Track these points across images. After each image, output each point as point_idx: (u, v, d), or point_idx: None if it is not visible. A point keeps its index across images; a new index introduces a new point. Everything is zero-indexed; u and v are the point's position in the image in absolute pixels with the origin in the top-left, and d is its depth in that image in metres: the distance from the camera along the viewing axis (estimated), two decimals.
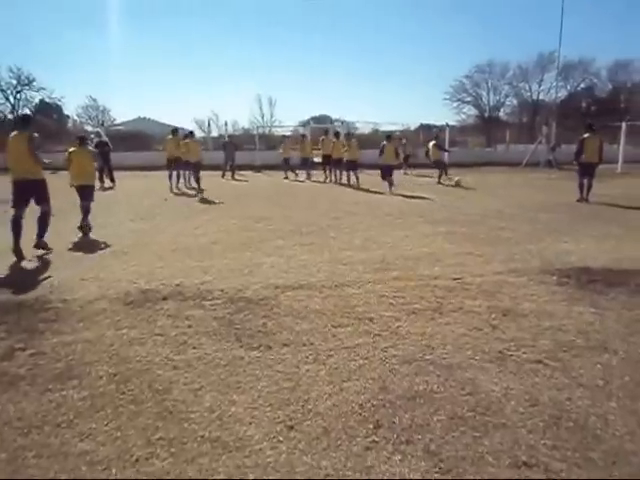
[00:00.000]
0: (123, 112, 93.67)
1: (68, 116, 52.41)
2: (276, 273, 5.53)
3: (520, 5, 70.22)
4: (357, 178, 16.44)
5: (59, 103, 48.11)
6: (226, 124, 30.29)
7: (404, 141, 23.07)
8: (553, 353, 3.42)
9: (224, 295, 4.75)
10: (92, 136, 18.85)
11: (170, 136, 16.57)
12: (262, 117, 52.87)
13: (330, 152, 17.62)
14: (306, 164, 19.64)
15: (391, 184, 14.28)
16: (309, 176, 19.30)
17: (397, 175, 18.89)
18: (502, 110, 58.43)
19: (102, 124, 39.63)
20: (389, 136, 16.32)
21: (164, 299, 4.66)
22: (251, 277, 5.38)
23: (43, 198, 7.51)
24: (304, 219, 9.26)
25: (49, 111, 48.58)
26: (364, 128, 39.58)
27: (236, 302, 4.54)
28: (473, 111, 57.98)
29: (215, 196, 13.48)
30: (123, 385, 3.05)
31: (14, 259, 6.32)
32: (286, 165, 19.74)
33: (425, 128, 30.95)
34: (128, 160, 26.05)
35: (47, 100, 47.03)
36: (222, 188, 15.83)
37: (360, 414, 2.73)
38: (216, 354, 3.47)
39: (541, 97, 55.50)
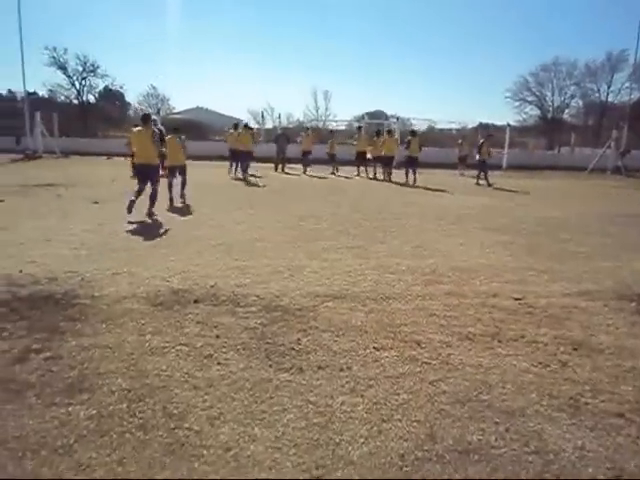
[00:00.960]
0: (182, 101, 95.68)
1: (130, 103, 53.91)
2: (318, 279, 5.12)
3: (590, 0, 66.56)
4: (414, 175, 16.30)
5: (121, 90, 49.50)
6: (279, 116, 30.13)
7: (460, 141, 22.15)
8: (639, 405, 2.84)
9: (259, 302, 4.39)
10: (152, 122, 19.05)
11: (232, 130, 17.15)
12: (317, 110, 52.54)
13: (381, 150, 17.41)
14: (332, 159, 19.63)
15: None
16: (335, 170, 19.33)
17: (451, 177, 18.15)
18: (566, 111, 55.69)
19: (158, 112, 40.27)
20: (414, 131, 17.43)
21: (195, 302, 4.35)
22: (291, 282, 5.00)
23: (155, 179, 9.10)
24: (353, 219, 8.81)
25: (112, 98, 50.10)
26: (420, 125, 38.59)
27: (271, 311, 4.17)
28: (535, 111, 55.53)
29: (264, 189, 13.27)
30: (135, 405, 2.73)
31: (52, 248, 6.20)
32: (332, 161, 19.42)
33: (484, 127, 29.71)
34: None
35: (110, 87, 48.47)
36: (272, 181, 15.60)
37: (401, 468, 2.28)
38: (242, 373, 3.10)
39: (610, 99, 52.51)
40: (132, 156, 10.45)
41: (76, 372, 3.07)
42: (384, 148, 17.11)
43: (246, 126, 18.43)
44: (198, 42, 77.45)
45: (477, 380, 3.08)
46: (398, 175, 16.98)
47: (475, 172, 16.77)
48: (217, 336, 3.64)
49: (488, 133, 18.30)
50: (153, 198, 8.93)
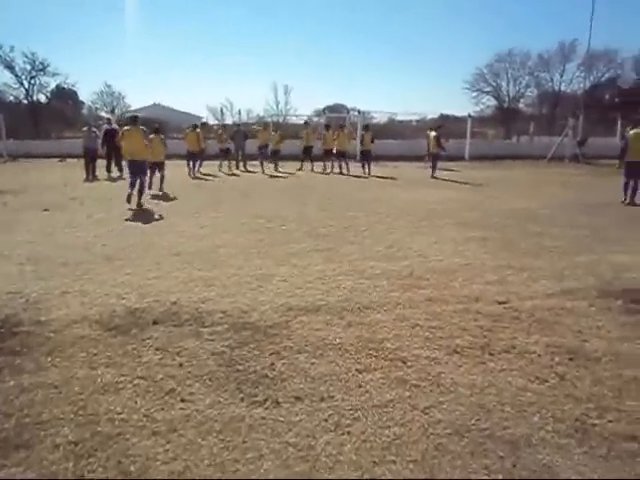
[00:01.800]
0: (139, 99, 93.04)
1: (83, 102, 51.99)
2: (288, 289, 4.76)
3: None
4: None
5: (74, 89, 47.62)
6: (239, 112, 29.52)
7: (429, 132, 21.95)
8: None
9: (226, 319, 3.99)
10: (100, 122, 18.12)
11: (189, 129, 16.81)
12: (277, 105, 51.86)
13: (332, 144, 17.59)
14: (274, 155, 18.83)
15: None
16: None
17: (416, 170, 18.04)
18: (522, 101, 56.80)
19: (113, 110, 38.90)
20: (366, 126, 18.11)
21: (155, 323, 3.91)
22: (259, 294, 4.61)
23: (143, 172, 10.25)
24: (320, 218, 8.47)
25: (65, 97, 48.18)
26: (380, 117, 38.48)
27: (240, 330, 3.78)
28: (492, 102, 56.42)
29: (225, 189, 12.77)
30: (84, 462, 2.31)
31: None
32: (303, 155, 18.92)
33: (445, 118, 29.82)
34: None
35: (63, 86, 46.57)
36: (232, 181, 15.08)
37: None
38: (210, 412, 2.71)
39: (563, 88, 53.83)
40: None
41: (13, 422, 2.62)
42: (337, 142, 17.08)
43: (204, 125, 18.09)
44: (154, 38, 75.42)
45: (473, 404, 2.78)
46: (357, 169, 16.83)
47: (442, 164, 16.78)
48: (180, 365, 3.23)
49: (437, 124, 18.14)
50: (141, 190, 10.02)
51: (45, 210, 9.41)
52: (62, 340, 3.61)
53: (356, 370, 3.15)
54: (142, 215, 8.87)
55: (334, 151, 17.39)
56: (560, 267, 5.51)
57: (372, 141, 17.41)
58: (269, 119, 33.90)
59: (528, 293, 4.61)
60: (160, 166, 12.25)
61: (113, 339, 3.63)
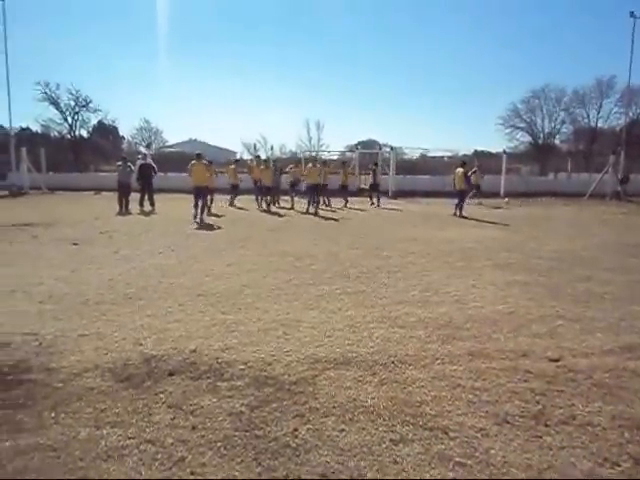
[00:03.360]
0: (176, 134, 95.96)
1: (123, 137, 53.82)
2: (316, 337, 4.40)
3: (577, 28, 67.76)
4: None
5: (114, 125, 49.37)
6: (272, 148, 29.82)
7: (475, 168, 21.38)
8: None
9: (247, 372, 3.65)
10: (139, 157, 18.40)
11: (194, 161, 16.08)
12: (309, 141, 52.45)
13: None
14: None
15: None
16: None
17: (450, 207, 17.61)
18: (557, 137, 56.03)
19: (148, 146, 39.95)
20: (464, 162, 16.36)
21: (170, 374, 3.60)
22: (285, 342, 4.27)
23: (205, 195, 13.99)
24: (351, 258, 8.13)
25: (105, 132, 50.01)
26: (413, 153, 38.38)
27: (261, 386, 3.43)
28: (526, 137, 55.84)
29: (255, 226, 12.61)
30: None
31: (13, 302, 5.46)
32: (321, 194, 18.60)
33: (479, 154, 29.41)
34: (172, 182, 25.79)
35: (104, 122, 48.34)
36: (264, 217, 14.94)
37: None
38: None
39: (599, 124, 52.93)
40: None
41: None
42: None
43: (258, 157, 19.09)
44: (190, 75, 78.29)
45: None
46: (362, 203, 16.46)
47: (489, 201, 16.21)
48: (193, 427, 2.89)
49: (462, 161, 17.62)
50: (203, 208, 13.65)
51: (74, 244, 9.38)
52: (69, 392, 3.33)
53: (390, 441, 2.75)
54: (168, 251, 8.70)
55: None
56: (615, 318, 5.00)
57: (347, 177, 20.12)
58: (301, 155, 34.14)
59: (583, 349, 4.13)
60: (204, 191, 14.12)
61: (124, 392, 3.33)
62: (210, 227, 12.18)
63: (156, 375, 3.60)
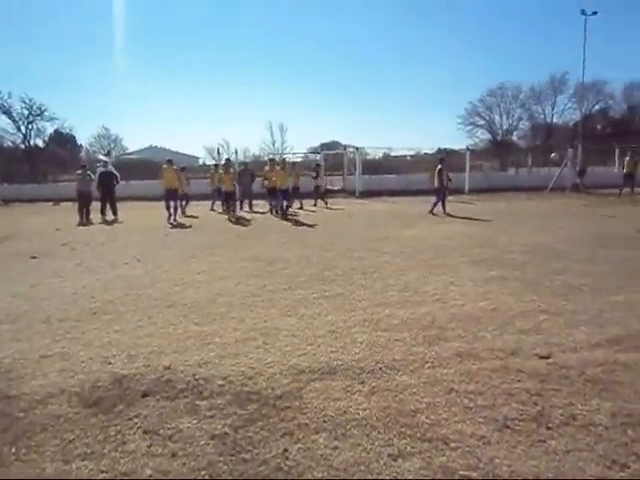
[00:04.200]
0: (136, 141, 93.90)
1: (81, 146, 52.33)
2: (298, 345, 4.19)
3: (531, 27, 69.59)
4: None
5: (72, 133, 47.92)
6: (236, 151, 29.31)
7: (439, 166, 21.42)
8: None
9: (228, 387, 3.42)
10: (98, 164, 17.70)
11: (165, 166, 15.83)
12: (273, 144, 52.13)
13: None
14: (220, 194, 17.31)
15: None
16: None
17: (417, 205, 17.62)
18: (515, 133, 57.47)
19: (108, 153, 38.86)
20: (442, 159, 15.87)
21: (144, 395, 3.33)
22: (265, 353, 4.05)
23: (177, 198, 15.01)
24: (324, 260, 7.95)
25: (63, 141, 48.49)
26: (375, 153, 38.55)
27: (244, 402, 3.20)
28: (486, 135, 57.08)
29: (222, 231, 12.28)
30: None
31: None
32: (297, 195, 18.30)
33: (443, 152, 29.69)
34: (134, 189, 25.14)
35: (61, 130, 46.86)
36: (236, 223, 14.59)
37: None
38: None
39: (555, 120, 54.56)
40: None
41: None
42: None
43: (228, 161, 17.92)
44: (149, 81, 76.65)
45: None
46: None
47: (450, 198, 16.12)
48: (173, 454, 2.64)
49: (440, 157, 17.55)
50: (176, 209, 14.82)
51: (32, 257, 8.89)
52: (32, 422, 3.02)
53: (389, 456, 2.57)
54: (133, 261, 8.33)
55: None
56: (596, 309, 4.97)
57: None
58: (265, 158, 33.77)
59: (570, 344, 4.06)
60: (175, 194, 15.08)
61: (94, 419, 3.05)
62: (180, 231, 11.80)
63: (128, 397, 3.32)
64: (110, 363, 3.92)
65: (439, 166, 15.17)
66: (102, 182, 15.41)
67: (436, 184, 15.16)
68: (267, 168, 17.09)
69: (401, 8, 72.85)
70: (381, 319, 4.85)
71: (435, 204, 14.91)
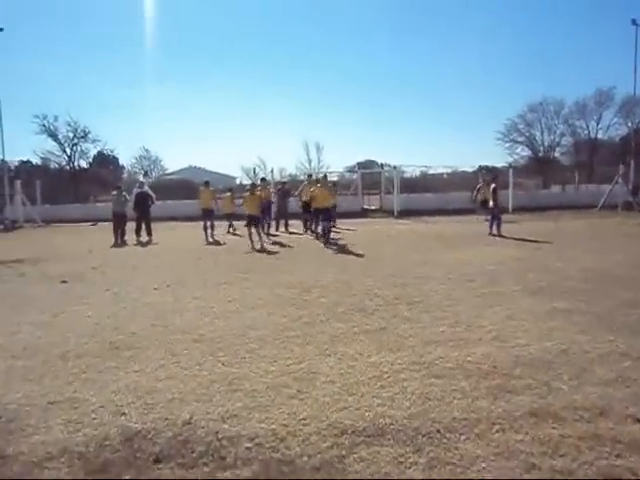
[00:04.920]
0: (175, 162, 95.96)
1: (123, 166, 53.58)
2: (337, 395, 3.60)
3: (575, 40, 67.90)
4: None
5: (114, 154, 49.08)
6: (272, 171, 29.08)
7: (479, 185, 20.53)
8: None
9: (255, 452, 2.86)
10: (136, 185, 17.63)
11: (202, 187, 16.45)
12: (309, 163, 52.00)
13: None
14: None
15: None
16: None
17: (460, 225, 16.87)
18: (557, 150, 55.63)
19: (146, 173, 39.40)
20: (496, 177, 15.25)
21: (157, 461, 2.80)
22: (300, 404, 3.48)
23: (212, 217, 15.45)
24: (365, 287, 7.35)
25: (105, 162, 49.74)
26: (411, 172, 37.75)
27: (275, 475, 2.63)
28: (526, 151, 55.48)
29: (261, 254, 11.83)
30: None
31: None
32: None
33: (485, 170, 28.78)
34: (172, 209, 25.20)
35: (104, 152, 48.07)
36: (271, 245, 14.13)
37: None
38: None
39: (599, 136, 52.59)
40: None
41: None
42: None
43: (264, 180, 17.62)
44: (188, 101, 78.34)
45: None
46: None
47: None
48: None
49: (493, 175, 16.58)
50: (212, 228, 15.13)
51: (63, 282, 8.62)
52: None
53: None
54: (163, 287, 7.93)
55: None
56: None
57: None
58: (302, 177, 33.51)
59: None
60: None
61: None
62: (214, 252, 11.42)
63: (139, 462, 2.80)
64: (123, 414, 3.43)
65: (493, 185, 14.28)
66: (137, 203, 15.32)
67: (491, 204, 14.26)
68: (306, 184, 15.96)
69: (435, 21, 72.18)
70: (433, 362, 4.22)
71: (492, 225, 14.01)
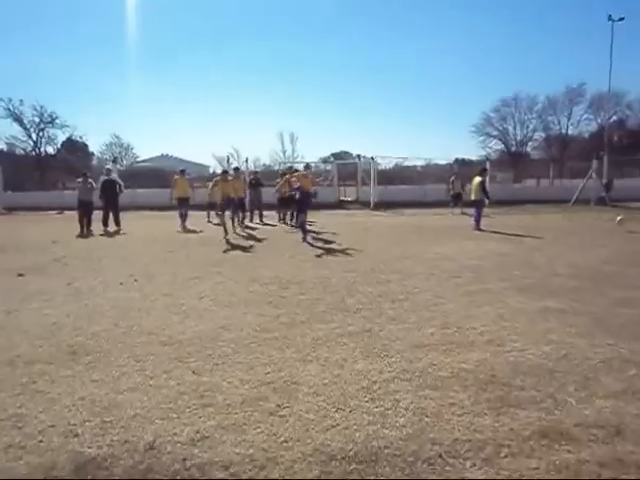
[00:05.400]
0: (147, 149, 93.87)
1: (93, 153, 52.02)
2: (323, 411, 3.20)
3: (547, 37, 68.51)
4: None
5: (83, 141, 47.54)
6: (247, 160, 28.36)
7: (452, 177, 20.33)
8: None
9: None
10: (103, 172, 16.78)
11: (177, 176, 15.92)
12: (284, 153, 51.35)
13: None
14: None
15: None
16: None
17: (437, 217, 16.70)
18: (529, 144, 56.30)
19: (114, 160, 38.16)
20: (484, 170, 15.13)
21: None
22: (280, 422, 3.06)
23: (187, 206, 15.41)
24: (345, 283, 6.97)
25: (74, 149, 48.17)
26: (386, 164, 37.48)
27: None
28: (499, 145, 56.00)
29: (234, 247, 11.32)
30: None
31: None
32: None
33: (461, 163, 28.70)
34: (143, 198, 24.42)
35: (73, 138, 46.51)
36: (246, 237, 13.64)
37: None
38: None
39: (570, 131, 53.35)
40: None
41: None
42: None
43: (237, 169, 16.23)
44: (161, 89, 76.48)
45: None
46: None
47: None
48: None
49: (482, 167, 16.21)
50: (185, 217, 14.95)
51: (19, 275, 7.99)
52: None
53: None
54: (130, 281, 7.39)
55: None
56: None
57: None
58: (276, 167, 32.93)
59: None
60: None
61: None
62: (185, 244, 10.85)
63: None
64: (76, 435, 2.96)
65: (479, 178, 13.93)
66: (104, 190, 14.59)
67: (476, 196, 13.94)
68: (287, 177, 14.76)
69: (411, 15, 71.94)
70: (425, 369, 3.86)
71: (478, 220, 13.78)
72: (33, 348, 4.54)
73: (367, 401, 3.33)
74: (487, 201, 13.79)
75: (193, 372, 3.91)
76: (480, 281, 6.98)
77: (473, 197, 14.02)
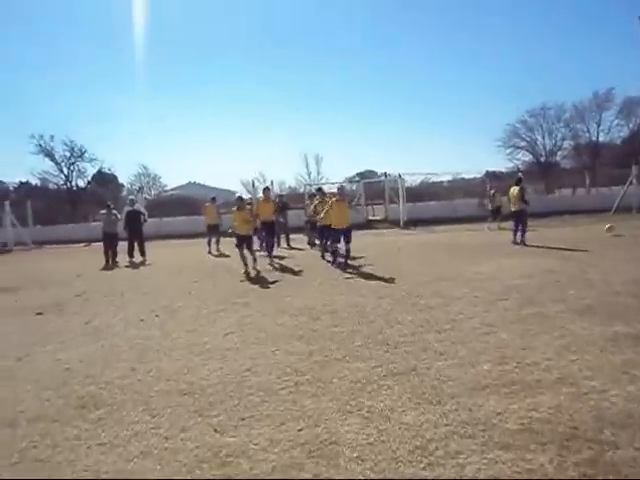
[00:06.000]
0: (175, 178, 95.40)
1: (123, 185, 52.87)
2: None
3: (573, 43, 67.20)
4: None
5: (113, 173, 48.36)
6: (272, 183, 28.11)
7: (492, 191, 19.44)
8: None
9: None
10: (127, 202, 16.60)
11: (208, 203, 16.40)
12: (309, 175, 51.12)
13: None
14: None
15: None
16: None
17: (474, 234, 15.95)
18: (559, 154, 54.77)
19: (139, 190, 38.49)
20: (520, 179, 13.92)
21: None
22: None
23: (217, 233, 15.55)
24: (382, 311, 6.36)
25: (104, 181, 49.00)
26: (413, 180, 36.78)
27: None
28: (527, 157, 54.64)
29: (262, 274, 10.79)
30: None
31: None
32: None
33: (491, 176, 27.85)
34: (168, 227, 24.34)
35: (103, 170, 47.38)
36: (273, 264, 13.11)
37: None
38: None
39: (600, 138, 51.69)
40: None
41: None
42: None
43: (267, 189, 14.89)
44: (186, 118, 77.77)
45: None
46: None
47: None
48: None
49: (519, 177, 15.21)
50: (217, 242, 15.40)
51: (38, 314, 7.64)
52: None
53: None
54: (151, 317, 6.94)
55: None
56: None
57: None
58: (302, 189, 32.62)
59: None
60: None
61: None
62: (211, 274, 10.40)
63: None
64: None
65: (517, 187, 13.17)
66: (128, 221, 14.37)
67: (517, 206, 13.13)
68: (317, 201, 13.61)
69: (439, 25, 71.59)
70: (489, 421, 3.22)
71: (516, 231, 13.00)
72: (39, 402, 4.08)
73: (424, 467, 2.72)
74: (518, 209, 13.04)
75: (215, 430, 3.36)
76: (531, 303, 6.28)
77: (514, 208, 13.25)
